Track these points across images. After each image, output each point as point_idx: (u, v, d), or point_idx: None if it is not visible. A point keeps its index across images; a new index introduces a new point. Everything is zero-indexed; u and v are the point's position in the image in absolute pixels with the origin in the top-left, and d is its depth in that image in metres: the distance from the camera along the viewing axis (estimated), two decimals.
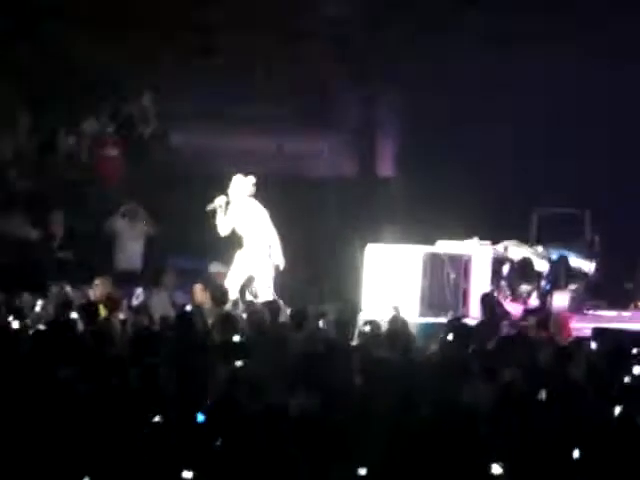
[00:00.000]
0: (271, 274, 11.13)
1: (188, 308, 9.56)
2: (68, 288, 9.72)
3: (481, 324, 10.07)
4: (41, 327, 8.54)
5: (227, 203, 11.15)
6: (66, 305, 9.10)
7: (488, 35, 13.96)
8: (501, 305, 10.98)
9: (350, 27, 14.86)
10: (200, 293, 10.45)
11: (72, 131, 12.84)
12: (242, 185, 11.23)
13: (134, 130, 13.21)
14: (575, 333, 10.16)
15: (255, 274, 11.10)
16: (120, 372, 7.13)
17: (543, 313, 10.54)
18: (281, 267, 11.14)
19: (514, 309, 11.26)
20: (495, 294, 11.25)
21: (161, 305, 10.65)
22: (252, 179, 11.23)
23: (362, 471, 6.07)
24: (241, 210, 11.19)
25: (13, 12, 13.43)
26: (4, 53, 13.08)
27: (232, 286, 10.94)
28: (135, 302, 10.72)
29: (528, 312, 10.62)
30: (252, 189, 11.22)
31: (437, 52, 14.15)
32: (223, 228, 11.18)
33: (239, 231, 11.21)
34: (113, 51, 13.77)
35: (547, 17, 14.11)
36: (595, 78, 13.94)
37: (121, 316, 9.25)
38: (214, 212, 11.13)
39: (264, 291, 10.98)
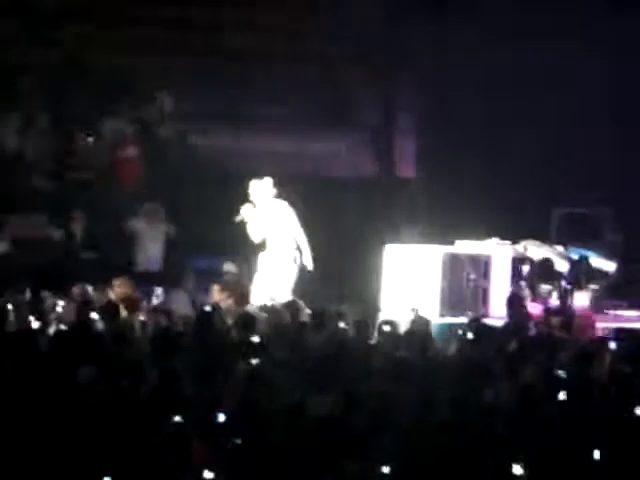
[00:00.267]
0: (294, 277, 11.11)
1: (207, 308, 9.57)
2: (89, 288, 9.74)
3: (507, 325, 10.04)
4: (62, 327, 8.57)
5: (253, 210, 11.11)
6: (87, 306, 9.12)
7: (507, 33, 13.89)
8: (525, 306, 10.94)
9: (368, 26, 14.83)
10: (218, 293, 10.46)
11: (91, 132, 12.86)
12: (262, 188, 11.21)
13: (152, 131, 13.21)
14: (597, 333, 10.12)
15: (278, 276, 11.08)
16: (139, 372, 7.14)
17: (567, 313, 10.48)
18: (309, 269, 11.12)
19: (534, 309, 11.22)
20: (522, 295, 11.21)
21: (181, 305, 10.67)
22: (269, 180, 11.20)
23: (384, 470, 6.06)
24: (266, 213, 11.15)
25: (32, 16, 13.48)
26: (23, 55, 13.12)
27: (257, 288, 10.95)
28: (155, 302, 10.74)
29: (551, 312, 10.58)
30: (273, 190, 11.19)
31: (455, 51, 14.10)
32: (255, 235, 11.15)
33: (266, 234, 11.18)
34: (131, 52, 13.80)
35: (554, 15, 14.00)
36: (613, 75, 13.88)
37: (141, 317, 9.26)
38: (243, 222, 11.10)
39: (285, 293, 10.98)
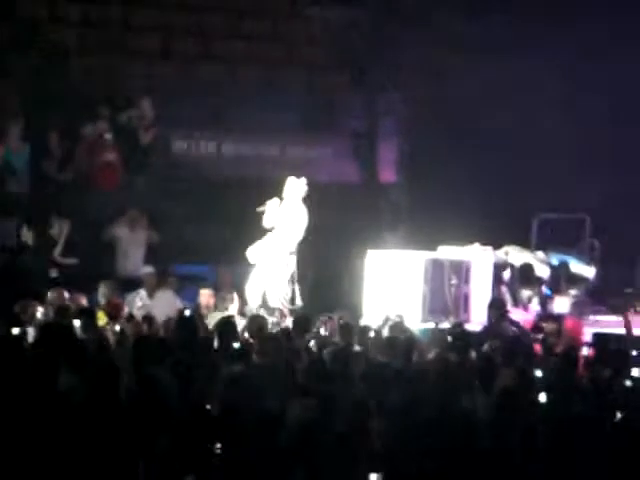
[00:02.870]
0: (287, 281, 11.15)
1: (187, 313, 9.57)
2: (66, 294, 9.70)
3: (487, 329, 10.09)
4: (41, 334, 8.53)
5: (278, 204, 11.14)
6: (64, 311, 9.09)
7: (487, 42, 13.97)
8: (506, 311, 10.99)
9: (351, 32, 14.87)
10: (208, 298, 10.47)
11: (69, 137, 12.80)
12: (295, 188, 11.24)
13: (133, 136, 13.17)
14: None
15: (274, 280, 11.11)
16: (119, 379, 7.12)
17: (559, 319, 10.55)
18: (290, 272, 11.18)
19: (516, 315, 11.26)
20: (503, 300, 11.26)
21: (166, 304, 10.65)
22: (304, 181, 11.26)
23: (371, 477, 6.08)
24: (288, 212, 11.18)
25: (10, 20, 13.42)
26: (3, 59, 13.04)
27: (254, 290, 10.98)
28: (139, 303, 10.72)
29: (543, 318, 10.64)
30: (304, 193, 11.23)
31: (438, 57, 14.16)
32: (267, 222, 11.15)
33: (275, 231, 11.19)
34: (114, 57, 13.77)
35: (545, 21, 14.12)
36: (594, 80, 13.96)
37: (122, 322, 9.25)
38: (263, 212, 11.14)
39: (279, 298, 11.01)
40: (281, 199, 11.25)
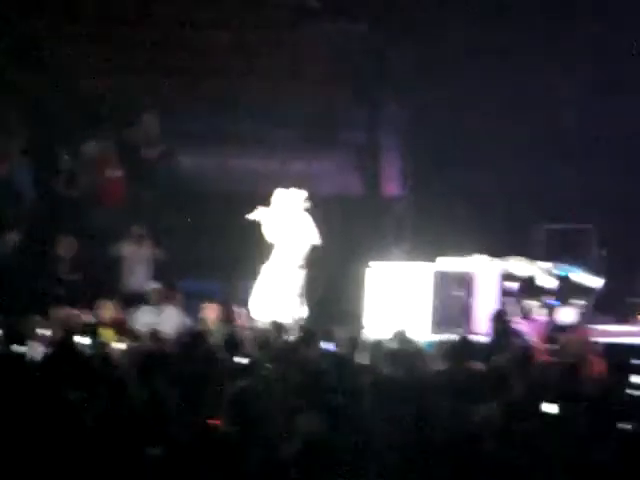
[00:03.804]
0: (295, 295, 11.17)
1: (196, 329, 9.57)
2: (72, 311, 9.72)
3: (491, 341, 10.08)
4: (47, 351, 8.54)
5: (268, 216, 11.15)
6: (69, 328, 9.09)
7: (489, 52, 13.99)
8: (509, 322, 10.98)
9: (353, 46, 14.90)
10: (213, 312, 10.48)
11: (74, 153, 12.84)
12: (293, 200, 11.24)
13: (138, 151, 13.21)
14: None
15: (281, 294, 11.12)
16: (125, 396, 7.12)
17: (570, 330, 10.55)
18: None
19: (523, 327, 11.25)
20: (506, 311, 11.27)
21: (172, 320, 10.67)
22: (304, 194, 11.27)
23: None
24: (291, 225, 11.19)
25: (13, 35, 13.47)
26: (3, 75, 13.08)
27: (260, 304, 11.00)
28: (145, 319, 10.73)
29: (555, 329, 10.64)
30: (305, 204, 11.26)
31: (439, 69, 14.19)
32: (269, 236, 11.13)
33: (278, 244, 11.21)
34: (116, 73, 13.82)
35: (546, 29, 14.14)
36: (596, 88, 13.99)
37: (128, 338, 9.26)
38: (255, 223, 11.15)
39: (290, 309, 11.04)
40: (272, 211, 11.25)
